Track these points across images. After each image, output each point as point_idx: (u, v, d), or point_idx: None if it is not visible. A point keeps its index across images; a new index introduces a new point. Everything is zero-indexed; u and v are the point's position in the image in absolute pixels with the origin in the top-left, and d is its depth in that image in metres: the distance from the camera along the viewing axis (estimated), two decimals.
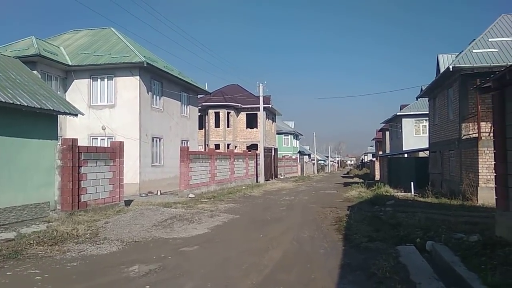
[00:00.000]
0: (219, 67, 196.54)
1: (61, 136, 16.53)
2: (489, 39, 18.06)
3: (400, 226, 9.76)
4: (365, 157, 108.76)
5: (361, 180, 35.63)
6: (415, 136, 35.59)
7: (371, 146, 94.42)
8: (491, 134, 11.85)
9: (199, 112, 30.28)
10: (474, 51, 17.39)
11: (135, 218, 11.24)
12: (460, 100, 17.47)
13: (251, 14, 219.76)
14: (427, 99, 26.23)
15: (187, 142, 25.22)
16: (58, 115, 12.41)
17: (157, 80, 22.05)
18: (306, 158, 75.13)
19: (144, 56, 20.53)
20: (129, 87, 20.06)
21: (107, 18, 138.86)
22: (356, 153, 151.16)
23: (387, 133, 46.84)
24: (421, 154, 29.63)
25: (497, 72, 7.61)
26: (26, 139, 10.75)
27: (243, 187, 24.72)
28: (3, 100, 9.78)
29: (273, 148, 39.57)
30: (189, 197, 17.86)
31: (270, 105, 41.29)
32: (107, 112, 20.15)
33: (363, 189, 23.15)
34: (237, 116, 40.93)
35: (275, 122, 49.47)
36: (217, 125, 39.00)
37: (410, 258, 6.93)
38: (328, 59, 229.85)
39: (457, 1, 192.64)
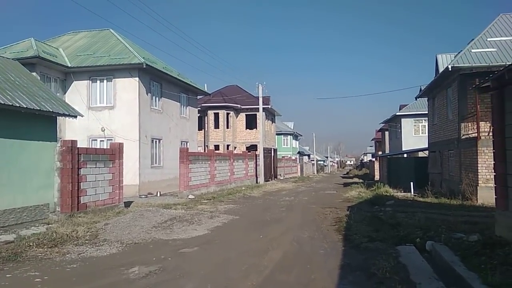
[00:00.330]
0: (218, 68, 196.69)
1: (61, 138, 16.53)
2: (488, 39, 18.08)
3: (400, 226, 9.77)
4: (365, 157, 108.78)
5: (361, 181, 35.64)
6: (415, 136, 35.60)
7: (370, 146, 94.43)
8: (490, 134, 11.88)
9: (198, 113, 30.27)
10: (473, 50, 17.41)
11: (134, 220, 11.24)
12: (459, 100, 17.49)
13: (250, 14, 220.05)
14: (426, 99, 26.26)
15: (186, 143, 25.23)
16: (58, 117, 12.40)
17: (156, 81, 22.05)
18: (305, 158, 75.12)
19: (143, 58, 20.53)
20: (128, 89, 20.05)
21: (106, 20, 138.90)
22: (355, 154, 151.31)
23: (387, 133, 46.86)
24: (421, 154, 29.64)
25: (496, 72, 7.62)
26: (25, 141, 10.74)
27: (243, 188, 24.72)
28: (3, 102, 9.77)
29: (272, 149, 39.57)
30: (189, 198, 17.85)
31: (269, 106, 41.30)
32: (106, 113, 20.15)
33: (362, 189, 23.16)
34: (237, 117, 40.94)
35: (275, 122, 49.48)
36: (216, 126, 39.00)
37: (410, 258, 6.94)
38: (327, 59, 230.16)
39: (456, 1, 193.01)
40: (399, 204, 15.27)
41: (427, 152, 25.87)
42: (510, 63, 7.39)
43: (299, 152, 67.95)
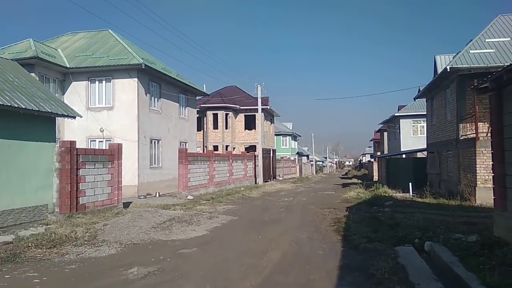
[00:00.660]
0: (217, 69, 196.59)
1: (59, 139, 16.51)
2: (486, 40, 18.12)
3: (399, 227, 9.78)
4: (363, 158, 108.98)
5: (360, 181, 35.66)
6: (413, 137, 35.64)
7: (369, 147, 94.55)
8: (489, 135, 11.89)
9: (197, 113, 30.27)
10: (471, 51, 17.44)
11: (133, 220, 11.23)
12: (457, 101, 17.52)
13: (249, 15, 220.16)
14: (425, 100, 26.30)
15: (185, 144, 25.22)
16: (56, 118, 12.37)
17: (155, 82, 22.04)
18: (304, 159, 75.15)
19: (142, 58, 20.53)
20: (127, 89, 20.04)
21: (105, 20, 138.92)
22: (354, 154, 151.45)
23: (385, 133, 46.90)
24: (419, 155, 29.68)
25: (494, 73, 7.63)
26: (24, 142, 10.72)
27: (242, 188, 24.71)
28: (1, 103, 9.76)
29: (271, 149, 39.57)
30: (188, 199, 17.84)
31: (268, 106, 41.31)
32: (105, 114, 20.14)
33: (361, 190, 23.18)
34: (236, 118, 40.95)
35: (273, 123, 49.50)
36: (215, 126, 39.00)
37: (409, 259, 6.95)
38: (326, 60, 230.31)
39: (454, 2, 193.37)
40: (398, 204, 15.29)
41: (425, 152, 25.91)
42: (508, 64, 7.40)
43: (298, 153, 67.98)
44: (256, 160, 31.91)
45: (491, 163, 8.23)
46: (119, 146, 14.00)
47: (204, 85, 29.03)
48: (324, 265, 6.91)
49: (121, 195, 13.93)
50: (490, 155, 8.38)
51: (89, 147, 18.68)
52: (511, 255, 6.09)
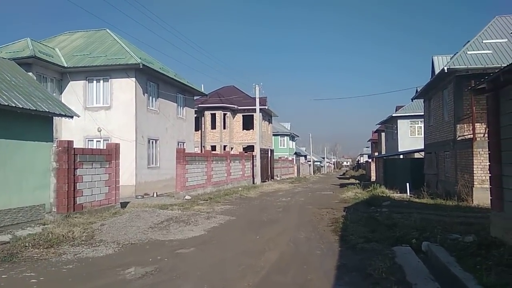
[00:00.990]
0: (215, 68, 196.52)
1: (57, 138, 16.45)
2: (483, 41, 18.18)
3: (396, 227, 9.81)
4: (361, 158, 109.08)
5: (357, 181, 35.72)
6: (411, 137, 35.74)
7: (367, 147, 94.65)
8: (486, 135, 11.93)
9: (195, 113, 30.26)
10: (468, 52, 17.51)
11: (131, 220, 11.21)
12: (455, 101, 17.58)
13: (247, 14, 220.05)
14: (422, 100, 26.37)
15: (183, 144, 25.20)
16: (54, 117, 12.35)
17: (153, 81, 22.02)
18: (302, 159, 75.19)
19: (140, 58, 20.50)
20: (125, 89, 20.01)
21: (102, 20, 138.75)
22: (352, 154, 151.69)
23: (383, 134, 47.01)
24: (417, 155, 29.76)
25: (491, 74, 7.66)
26: (21, 141, 10.70)
27: (240, 188, 24.70)
28: None
29: (269, 150, 39.58)
30: (186, 199, 17.83)
31: (266, 107, 41.31)
32: (103, 113, 20.10)
33: (359, 190, 23.22)
34: (233, 118, 40.94)
35: (271, 123, 49.51)
36: (213, 126, 38.98)
37: (406, 259, 6.96)
38: (324, 60, 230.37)
39: (452, 3, 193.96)
40: (395, 205, 15.32)
41: (423, 153, 25.98)
42: (505, 65, 7.43)
43: (295, 153, 68.02)
44: (254, 160, 31.91)
45: (488, 163, 8.27)
46: (117, 146, 13.98)
47: (202, 85, 29.04)
48: (321, 265, 6.92)
49: (119, 195, 13.91)
50: (487, 155, 8.42)
51: (87, 147, 18.65)
52: (508, 256, 6.12)
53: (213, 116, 38.99)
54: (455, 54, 18.98)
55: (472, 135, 15.78)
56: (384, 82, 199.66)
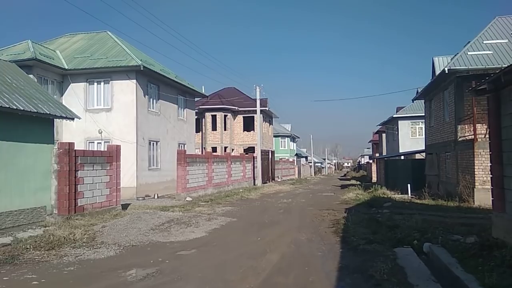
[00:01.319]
0: (216, 70, 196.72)
1: (58, 140, 16.47)
2: (484, 42, 18.18)
3: (397, 228, 9.79)
4: (362, 159, 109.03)
5: (358, 182, 35.70)
6: (412, 138, 35.70)
7: (367, 148, 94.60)
8: (487, 136, 11.92)
9: (196, 115, 30.26)
10: (469, 53, 17.50)
11: (132, 222, 11.21)
12: (455, 102, 17.57)
13: (247, 16, 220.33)
14: (423, 101, 26.35)
15: (184, 145, 25.20)
16: (55, 119, 12.36)
17: (154, 83, 22.04)
18: (303, 160, 75.18)
19: (141, 60, 20.52)
20: (125, 91, 20.03)
21: (103, 22, 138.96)
22: (353, 156, 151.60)
23: (384, 135, 46.96)
24: (418, 156, 29.73)
25: (492, 74, 7.65)
26: (22, 143, 10.71)
27: (241, 190, 24.71)
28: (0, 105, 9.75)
29: (270, 151, 39.58)
30: (187, 201, 17.83)
31: (267, 108, 41.31)
32: (103, 115, 20.12)
33: (360, 191, 23.19)
34: (234, 119, 40.94)
35: (272, 124, 49.50)
36: (214, 128, 38.98)
37: (408, 260, 6.95)
38: (325, 61, 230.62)
39: (452, 4, 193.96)
40: (397, 206, 15.31)
41: (424, 154, 25.95)
42: (506, 65, 7.42)
43: (296, 154, 67.99)
44: (255, 162, 31.91)
45: (489, 164, 8.25)
46: (118, 147, 13.99)
47: (203, 87, 29.03)
48: (323, 266, 6.91)
49: (120, 196, 13.91)
50: (488, 156, 8.40)
51: (88, 149, 18.65)
52: (509, 257, 6.10)
53: (214, 118, 38.99)
54: (455, 55, 18.97)
55: (473, 136, 15.77)
56: (385, 83, 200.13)
